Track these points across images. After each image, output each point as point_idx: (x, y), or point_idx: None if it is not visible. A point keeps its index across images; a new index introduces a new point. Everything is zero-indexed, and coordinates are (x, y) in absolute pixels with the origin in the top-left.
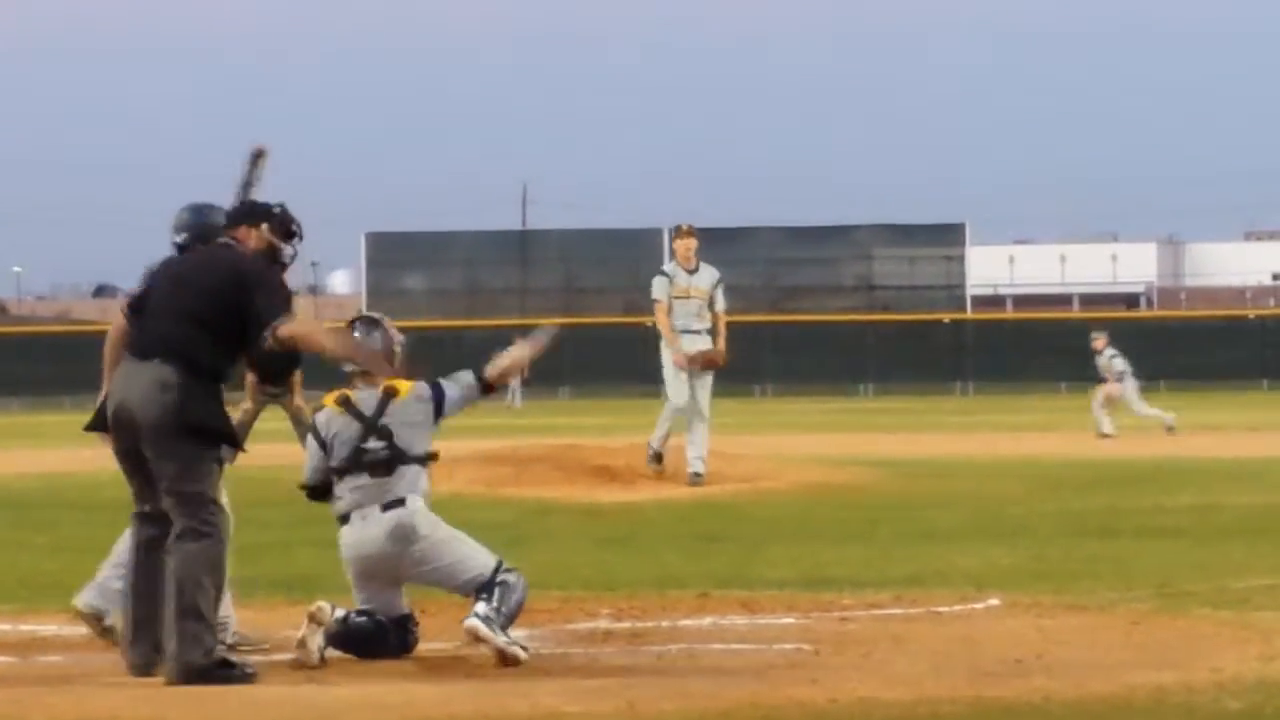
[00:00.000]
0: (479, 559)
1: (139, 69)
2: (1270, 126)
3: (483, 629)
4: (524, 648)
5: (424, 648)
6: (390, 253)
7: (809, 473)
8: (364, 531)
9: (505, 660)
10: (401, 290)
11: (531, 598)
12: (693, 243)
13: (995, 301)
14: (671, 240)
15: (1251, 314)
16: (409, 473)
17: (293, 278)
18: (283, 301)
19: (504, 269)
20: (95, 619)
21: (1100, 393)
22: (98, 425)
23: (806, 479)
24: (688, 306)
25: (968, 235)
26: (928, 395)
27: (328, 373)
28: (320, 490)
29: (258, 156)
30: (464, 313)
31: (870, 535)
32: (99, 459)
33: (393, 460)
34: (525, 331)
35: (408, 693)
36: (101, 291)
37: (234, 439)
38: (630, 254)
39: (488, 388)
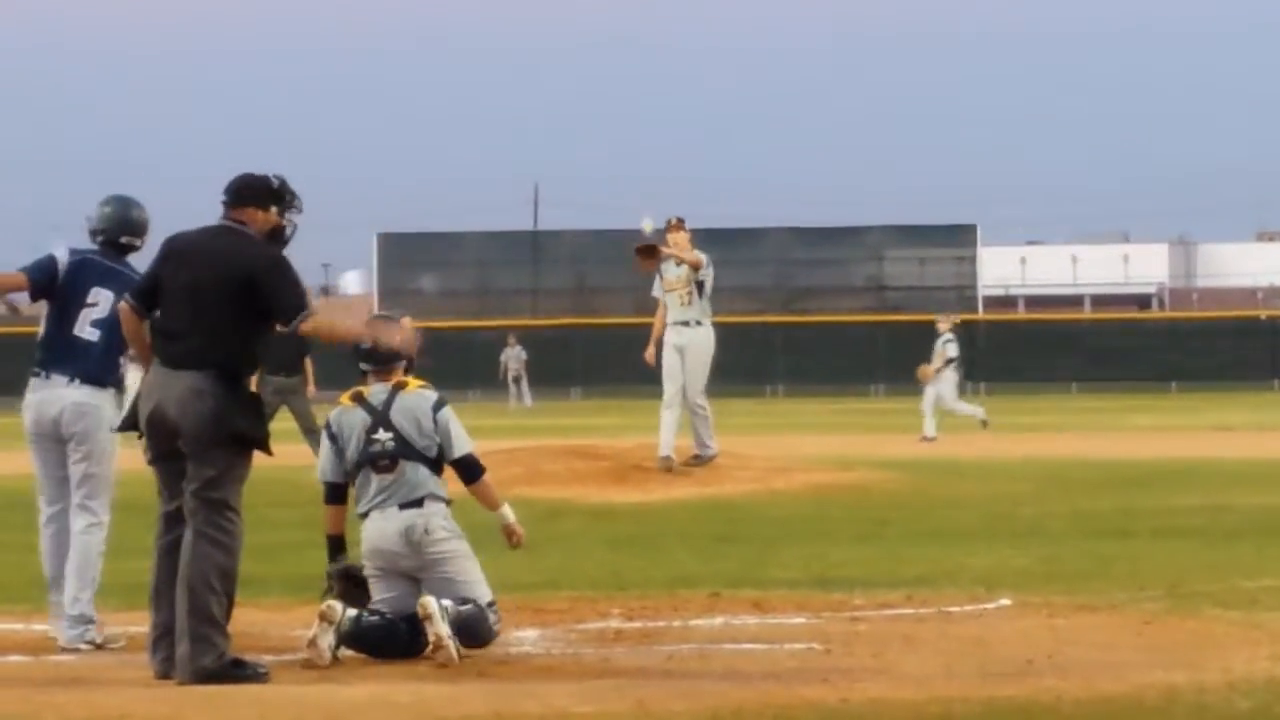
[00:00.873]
0: (481, 588)
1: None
2: None
3: (435, 610)
4: (459, 651)
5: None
6: (402, 253)
7: (820, 473)
8: (382, 526)
9: (436, 648)
10: (414, 290)
11: (543, 598)
12: (683, 235)
13: (1007, 302)
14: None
15: (1263, 314)
16: (422, 473)
17: (304, 279)
18: (301, 297)
19: (515, 269)
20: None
21: (931, 388)
22: (129, 425)
23: (817, 479)
24: (672, 298)
25: (979, 236)
26: None
27: (345, 372)
28: (337, 491)
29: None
30: (475, 313)
31: (881, 535)
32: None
33: (399, 453)
34: (535, 332)
35: (419, 692)
36: None
37: (267, 447)
38: None
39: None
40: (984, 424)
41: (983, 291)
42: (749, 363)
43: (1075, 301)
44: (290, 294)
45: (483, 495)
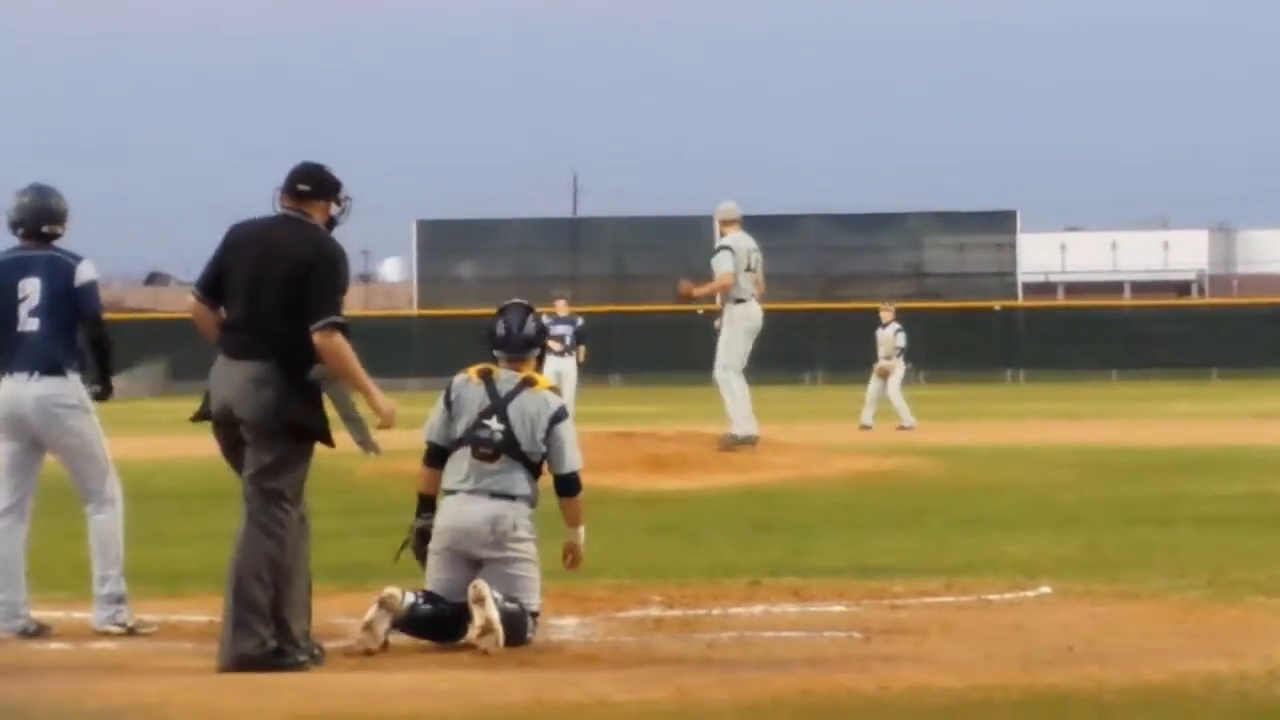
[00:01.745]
0: (534, 595)
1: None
2: None
3: (488, 593)
4: (501, 640)
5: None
6: (441, 240)
7: (859, 461)
8: (468, 506)
9: (485, 631)
10: (453, 278)
11: (583, 585)
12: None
13: (1046, 289)
14: (726, 224)
15: None
16: (519, 471)
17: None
18: (333, 303)
19: (555, 256)
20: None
21: (881, 380)
22: (205, 415)
23: (857, 467)
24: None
25: (1019, 222)
26: (979, 383)
27: (383, 357)
28: (438, 454)
29: None
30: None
31: (921, 523)
32: (151, 448)
33: (504, 447)
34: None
35: (460, 680)
36: (153, 279)
37: (328, 438)
38: (681, 242)
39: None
40: (904, 428)
41: (1022, 278)
42: (788, 349)
43: (1115, 288)
44: (327, 295)
45: (570, 510)
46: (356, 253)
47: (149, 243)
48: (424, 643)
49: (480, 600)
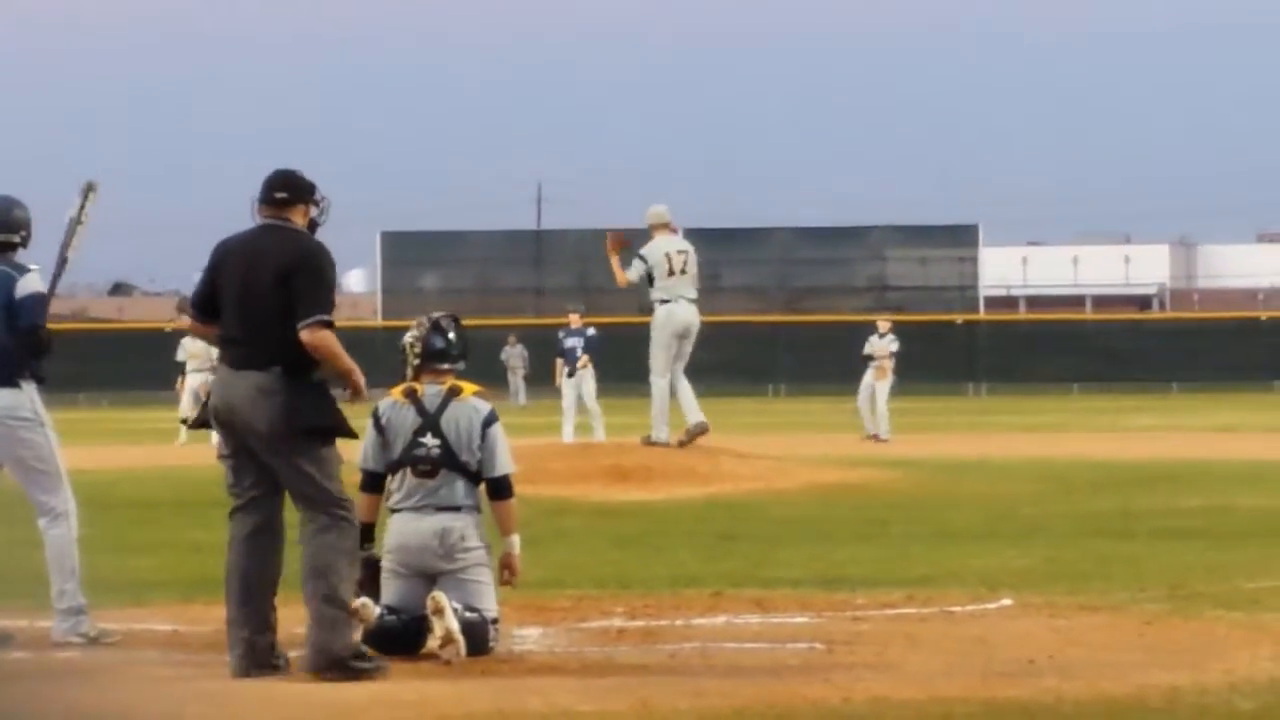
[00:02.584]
0: (491, 601)
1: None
2: None
3: (447, 605)
4: (463, 650)
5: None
6: (405, 251)
7: (822, 473)
8: (415, 523)
9: (447, 642)
10: (416, 289)
11: (546, 596)
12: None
13: (1008, 302)
14: (655, 228)
15: (1264, 316)
16: (460, 484)
17: None
18: (323, 301)
19: (519, 268)
20: None
21: (873, 388)
22: (202, 423)
23: (820, 479)
24: None
25: (981, 236)
26: (941, 395)
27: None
28: (375, 480)
29: (88, 191)
30: (478, 312)
31: (883, 535)
32: (106, 458)
33: (443, 462)
34: (538, 331)
35: (423, 690)
36: (118, 290)
37: (349, 431)
38: None
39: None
40: (877, 438)
41: (984, 291)
42: (751, 362)
43: (1076, 302)
44: (315, 294)
45: (503, 516)
46: None
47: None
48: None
49: (439, 611)
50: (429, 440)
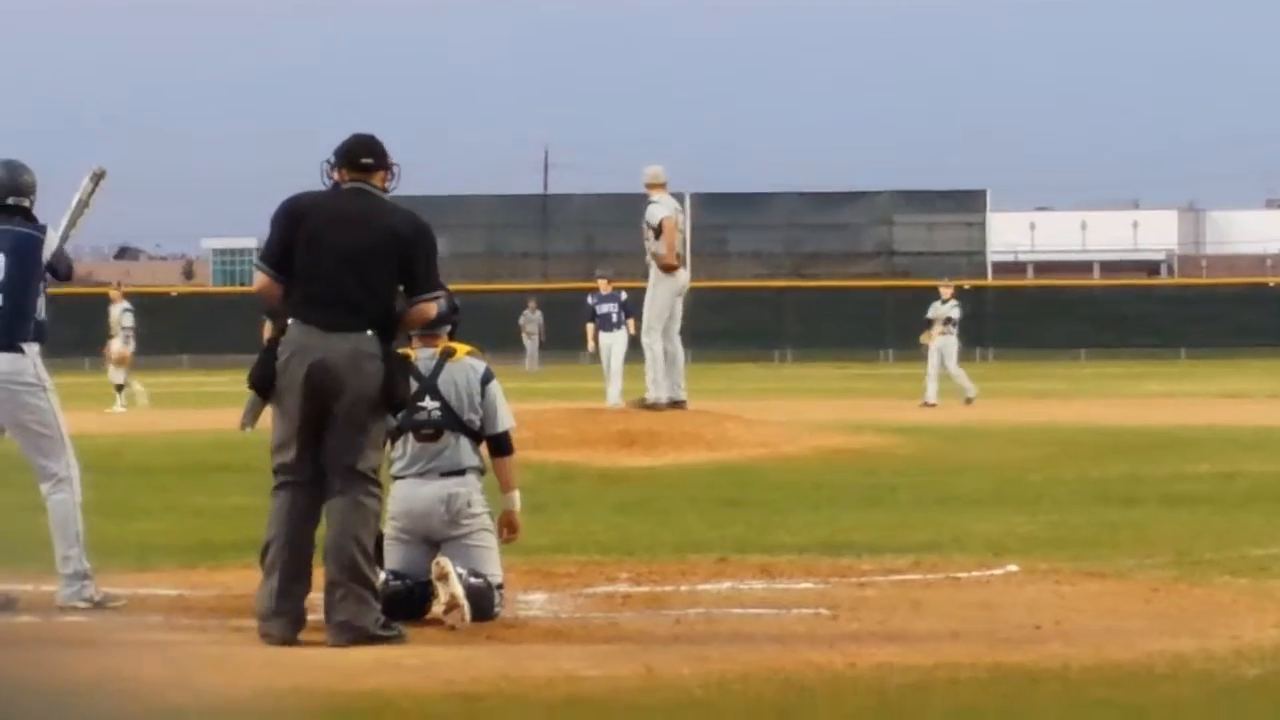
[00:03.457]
0: (495, 566)
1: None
2: None
3: (451, 570)
4: (468, 615)
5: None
6: None
7: (828, 438)
8: (420, 489)
9: (451, 607)
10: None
11: (551, 561)
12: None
13: (1016, 268)
14: (652, 187)
15: (1272, 281)
16: (464, 444)
17: None
18: (437, 275)
19: (525, 232)
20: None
21: (941, 353)
22: (263, 385)
23: (826, 444)
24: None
25: (988, 201)
26: None
27: None
28: None
29: (98, 178)
30: (485, 277)
31: (889, 501)
32: (109, 423)
33: (444, 423)
34: (545, 295)
35: (428, 655)
36: (124, 254)
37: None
38: None
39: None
40: (969, 401)
41: (991, 257)
42: (757, 327)
43: (1084, 268)
44: (430, 268)
45: (503, 472)
46: None
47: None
48: None
49: (444, 577)
50: (428, 403)
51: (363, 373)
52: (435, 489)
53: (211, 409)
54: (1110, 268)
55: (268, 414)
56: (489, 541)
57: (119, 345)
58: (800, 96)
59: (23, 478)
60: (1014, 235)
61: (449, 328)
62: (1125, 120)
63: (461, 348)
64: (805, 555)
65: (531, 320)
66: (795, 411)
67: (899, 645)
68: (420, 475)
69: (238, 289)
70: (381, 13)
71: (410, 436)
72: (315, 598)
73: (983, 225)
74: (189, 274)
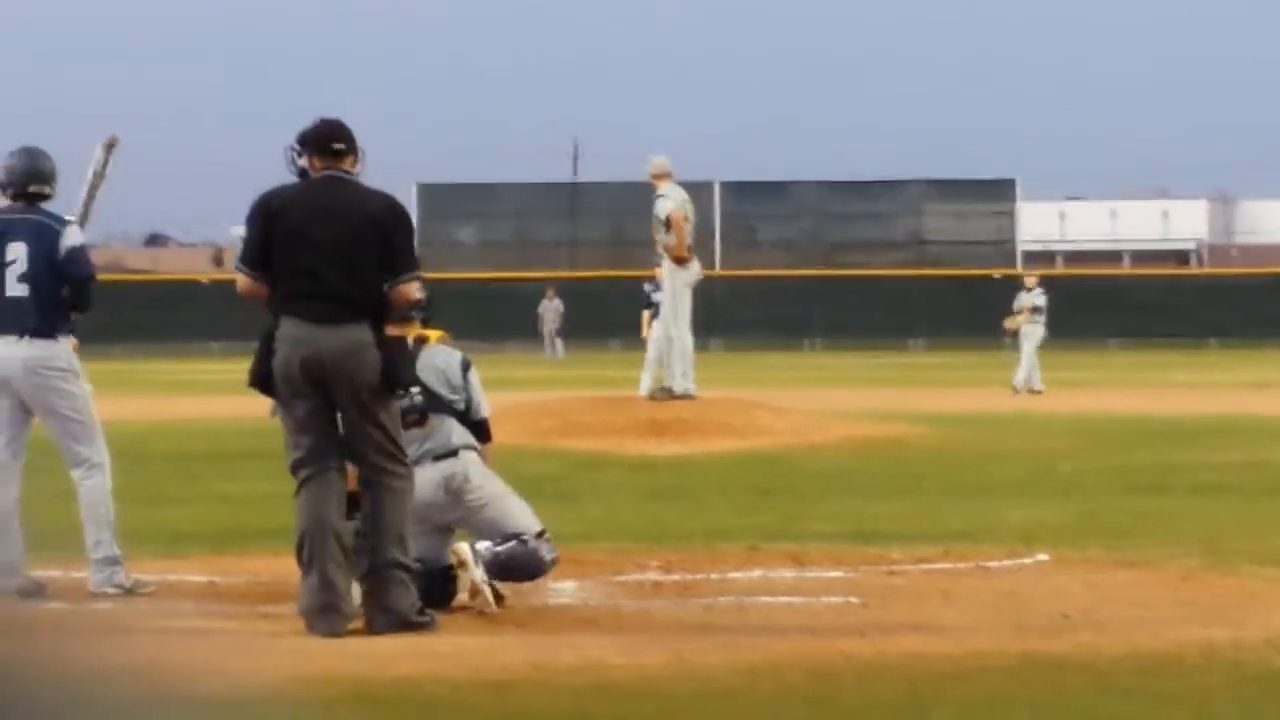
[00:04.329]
0: (524, 519)
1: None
2: None
3: (469, 556)
4: (499, 597)
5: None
6: (441, 204)
7: (858, 427)
8: (419, 480)
9: (474, 593)
10: (453, 242)
11: (580, 549)
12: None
13: (1046, 258)
14: (659, 178)
15: None
16: (452, 425)
17: None
18: (414, 255)
19: (554, 221)
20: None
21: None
22: (264, 383)
23: (855, 433)
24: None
25: (1018, 191)
26: (977, 350)
27: None
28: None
29: (110, 147)
30: (515, 264)
31: (919, 490)
32: (140, 410)
33: (429, 407)
34: (573, 284)
35: (457, 644)
36: (153, 241)
37: (416, 381)
38: None
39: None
40: (1036, 392)
41: (1021, 246)
42: (787, 316)
43: (1114, 257)
44: (409, 249)
45: (484, 459)
46: None
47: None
48: None
49: (463, 565)
50: (411, 390)
51: (362, 363)
52: (431, 474)
53: (240, 396)
54: (1140, 257)
55: None
56: (507, 504)
57: None
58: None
59: (51, 464)
60: (1044, 225)
61: (423, 314)
62: (1155, 109)
63: (434, 334)
64: (835, 544)
65: (549, 308)
66: (825, 400)
67: (928, 634)
68: (414, 463)
69: None
70: (409, 2)
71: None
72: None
73: (1012, 215)
74: (218, 261)
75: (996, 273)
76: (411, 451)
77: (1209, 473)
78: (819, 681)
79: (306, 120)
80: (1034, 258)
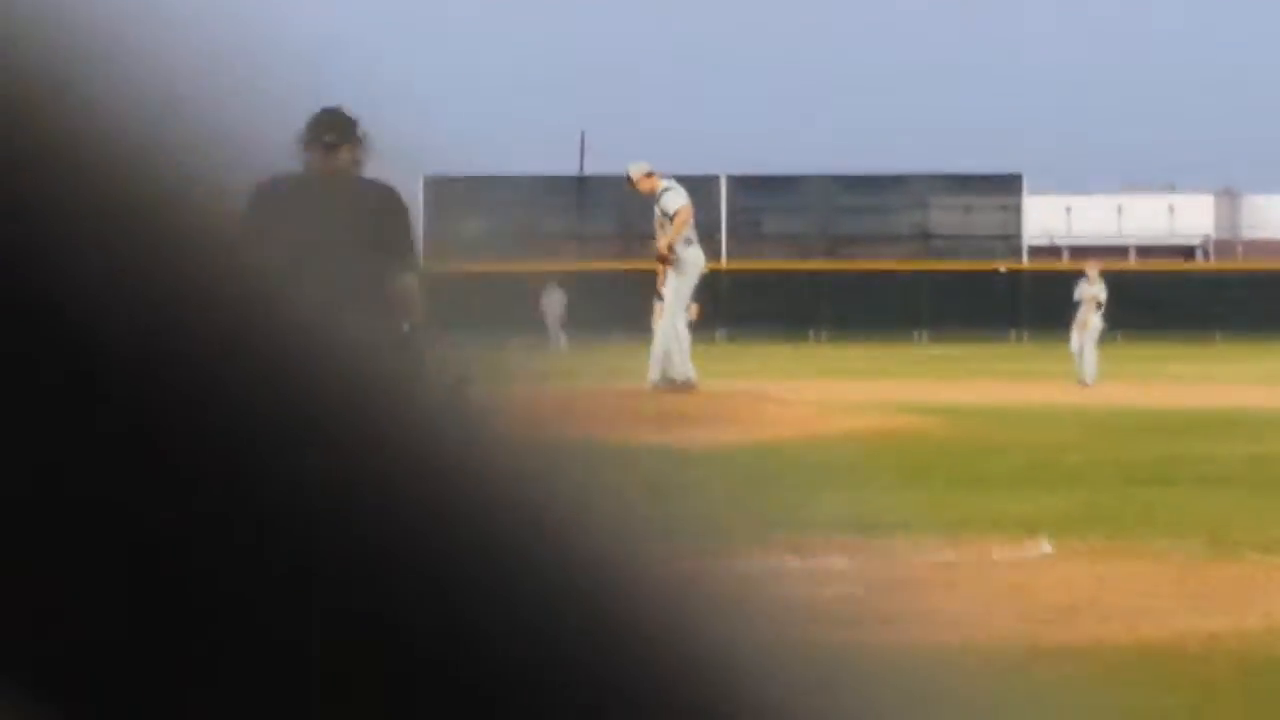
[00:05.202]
0: None
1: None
2: None
3: None
4: None
5: None
6: (448, 196)
7: (863, 418)
8: None
9: None
10: (459, 233)
11: None
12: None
13: (1051, 251)
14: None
15: None
16: None
17: None
18: (411, 246)
19: (561, 214)
20: None
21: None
22: None
23: (860, 424)
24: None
25: (1024, 185)
26: (983, 343)
27: None
28: None
29: None
30: (521, 256)
31: (923, 481)
32: None
33: None
34: (580, 277)
35: None
36: None
37: None
38: None
39: None
40: (1083, 384)
41: (1027, 241)
42: (792, 309)
43: (1120, 252)
44: (405, 237)
45: None
46: None
47: None
48: None
49: None
50: None
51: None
52: None
53: None
54: (1146, 252)
55: None
56: None
57: None
58: (835, 79)
59: None
60: (1049, 219)
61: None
62: (1161, 104)
63: None
64: (838, 534)
65: (553, 300)
66: (830, 392)
67: (932, 625)
68: None
69: None
70: None
71: None
72: None
73: (1018, 209)
74: None
75: (1002, 266)
76: None
77: (1214, 465)
78: (821, 672)
79: (313, 108)
80: (1039, 252)
